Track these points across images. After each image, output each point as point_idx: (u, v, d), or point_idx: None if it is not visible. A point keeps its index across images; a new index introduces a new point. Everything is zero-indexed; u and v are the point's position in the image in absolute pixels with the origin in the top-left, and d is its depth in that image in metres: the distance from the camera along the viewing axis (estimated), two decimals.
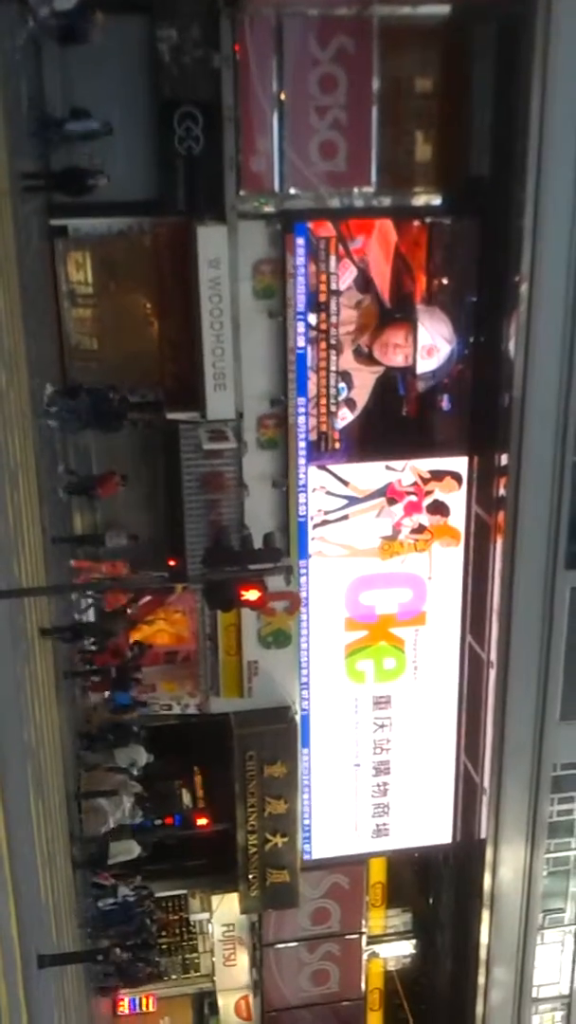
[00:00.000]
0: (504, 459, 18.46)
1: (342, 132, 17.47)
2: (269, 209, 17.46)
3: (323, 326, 18.16)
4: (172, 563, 18.12)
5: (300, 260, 17.62)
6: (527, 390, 17.57)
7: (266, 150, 17.16)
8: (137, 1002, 22.34)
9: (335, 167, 17.58)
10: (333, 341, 18.27)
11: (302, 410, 18.50)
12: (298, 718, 20.11)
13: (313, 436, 18.75)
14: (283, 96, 17.11)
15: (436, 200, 18.27)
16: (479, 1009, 21.19)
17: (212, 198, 16.79)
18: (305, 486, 19.05)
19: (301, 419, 18.54)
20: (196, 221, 16.73)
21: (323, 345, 18.25)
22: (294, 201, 17.60)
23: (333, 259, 17.80)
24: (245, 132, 16.88)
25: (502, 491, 18.69)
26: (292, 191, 17.52)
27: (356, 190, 17.82)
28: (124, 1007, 22.25)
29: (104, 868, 16.29)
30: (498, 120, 17.57)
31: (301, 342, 18.05)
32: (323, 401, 18.60)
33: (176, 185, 16.71)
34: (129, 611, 19.84)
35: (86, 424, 16.09)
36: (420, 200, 18.27)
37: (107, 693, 17.65)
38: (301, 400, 18.41)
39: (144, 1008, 22.48)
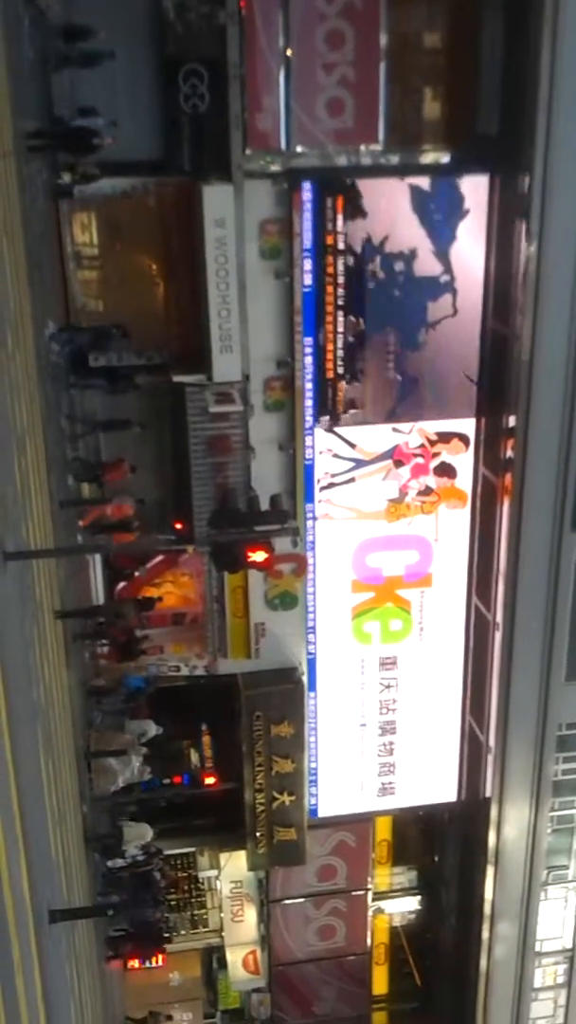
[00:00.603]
0: (512, 421, 18.41)
1: (349, 89, 17.24)
2: (275, 168, 17.30)
3: (329, 290, 18.03)
4: (178, 526, 18.18)
5: (307, 219, 17.45)
6: (535, 352, 17.47)
7: (272, 108, 16.96)
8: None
9: (342, 124, 17.37)
10: (340, 302, 18.15)
11: (309, 372, 18.44)
12: (305, 679, 20.27)
13: (320, 398, 18.69)
14: (289, 52, 16.87)
15: (444, 158, 18.07)
16: (483, 963, 21.56)
17: (218, 157, 16.62)
18: (312, 449, 19.04)
19: (308, 381, 18.48)
20: (201, 180, 16.57)
21: (330, 305, 18.13)
22: (301, 159, 17.43)
23: (340, 218, 17.63)
24: (251, 89, 16.67)
25: (509, 453, 18.66)
26: (299, 149, 17.34)
27: (363, 148, 17.63)
28: (134, 962, 22.63)
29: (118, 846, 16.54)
30: (507, 76, 17.31)
31: (308, 303, 17.93)
32: (330, 362, 18.51)
33: (181, 144, 16.57)
34: (137, 573, 19.97)
35: (90, 348, 15.98)
36: (428, 158, 18.07)
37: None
38: (308, 361, 18.33)
39: (153, 962, 22.86)
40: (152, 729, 17.19)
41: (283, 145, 17.23)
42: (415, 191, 17.93)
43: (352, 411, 19.01)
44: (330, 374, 18.61)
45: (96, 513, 17.26)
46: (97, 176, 15.91)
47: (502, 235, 18.05)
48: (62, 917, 11.49)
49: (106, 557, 18.96)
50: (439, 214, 18.16)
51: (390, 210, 17.96)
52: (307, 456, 19.06)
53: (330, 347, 18.43)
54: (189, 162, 16.67)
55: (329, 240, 17.73)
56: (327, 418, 18.91)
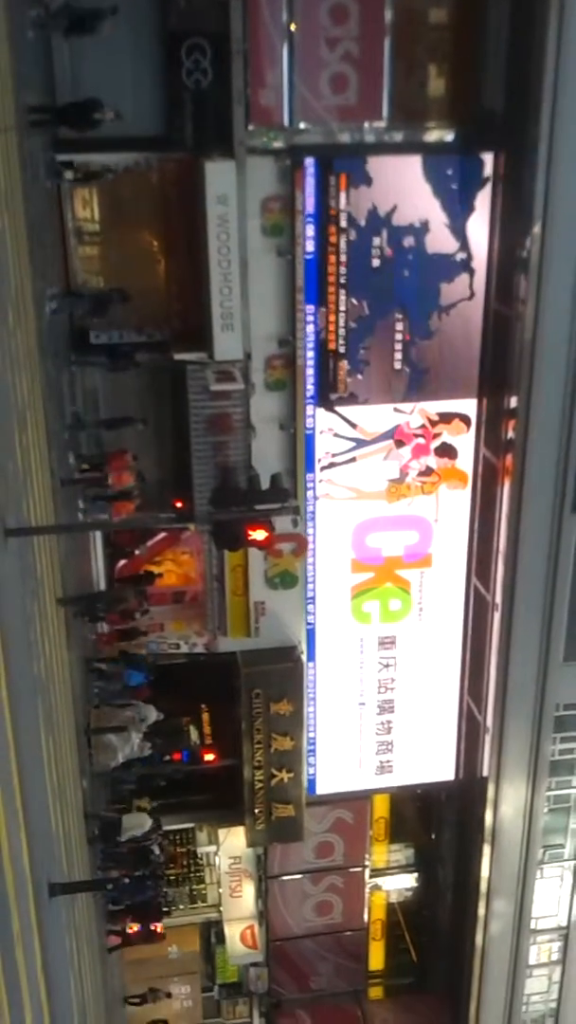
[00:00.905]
0: (513, 401, 18.37)
1: (353, 65, 17.10)
2: (278, 144, 17.18)
3: (332, 268, 17.93)
4: (179, 505, 18.19)
5: (309, 196, 17.34)
6: (538, 332, 17.42)
7: (275, 83, 16.83)
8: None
9: (346, 101, 17.24)
10: (343, 280, 18.06)
11: (311, 351, 18.38)
12: (304, 657, 20.35)
13: (321, 377, 18.63)
14: (293, 27, 16.73)
15: (449, 135, 17.93)
16: (479, 939, 21.77)
17: (220, 133, 16.50)
18: (313, 428, 19.01)
19: (310, 360, 18.43)
20: (204, 157, 16.46)
21: (332, 284, 18.04)
22: (304, 136, 17.31)
23: (344, 195, 17.51)
24: (254, 65, 16.53)
25: (511, 434, 18.64)
26: (302, 125, 17.22)
27: (367, 125, 17.51)
28: (134, 928, 22.84)
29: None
30: (513, 53, 17.15)
31: (310, 281, 17.84)
32: (332, 341, 18.44)
33: (183, 120, 16.44)
34: (137, 552, 20.01)
35: (90, 313, 15.90)
36: (432, 135, 17.93)
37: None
38: (310, 340, 18.27)
39: (153, 935, 23.06)
40: (153, 715, 17.27)
41: (286, 121, 17.10)
42: (428, 156, 17.61)
43: (353, 406, 18.93)
44: (332, 356, 18.52)
45: (94, 473, 17.25)
46: (101, 174, 15.91)
47: (506, 213, 17.93)
48: (62, 891, 11.59)
49: (107, 535, 19.02)
50: (455, 182, 17.72)
51: (399, 178, 17.60)
52: (308, 435, 19.03)
53: (332, 327, 18.34)
54: (191, 138, 16.55)
55: (332, 217, 17.59)
56: (335, 394, 18.77)
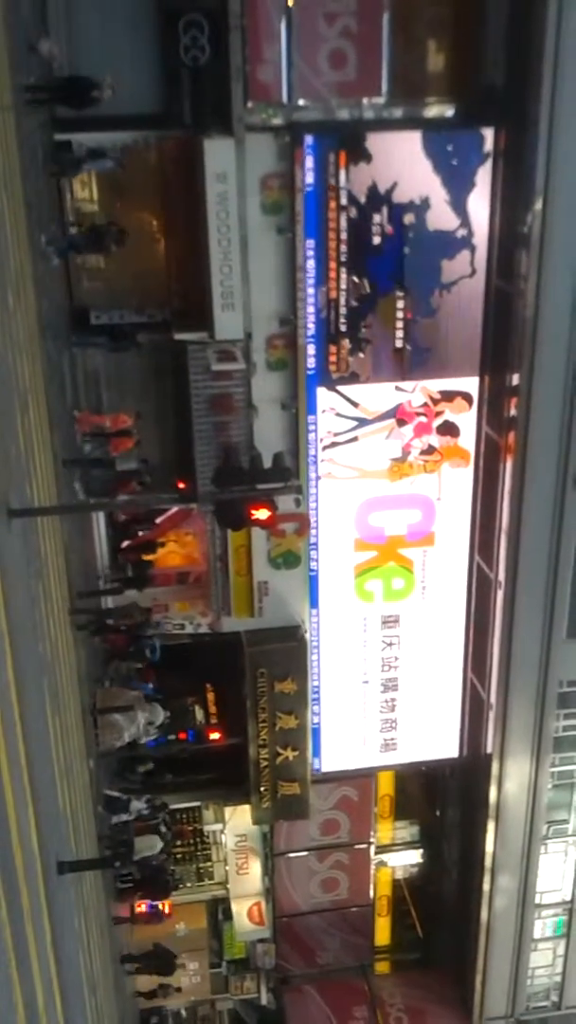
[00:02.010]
0: (515, 379, 18.33)
1: (352, 40, 16.95)
2: (277, 121, 17.06)
3: (332, 246, 17.85)
4: (181, 485, 18.20)
5: (309, 174, 17.24)
6: (540, 308, 17.36)
7: (274, 59, 16.69)
8: (154, 907, 23.12)
9: (345, 77, 17.11)
10: (343, 258, 17.98)
11: (312, 330, 18.32)
12: (307, 637, 20.41)
13: (323, 357, 18.58)
14: (291, 3, 16.56)
15: (449, 111, 17.80)
16: (483, 915, 21.94)
17: (219, 110, 16.38)
18: (314, 408, 18.98)
19: (311, 339, 18.36)
20: (202, 134, 16.36)
21: (333, 262, 17.96)
22: (303, 112, 17.19)
23: (343, 173, 17.41)
24: (252, 41, 16.39)
25: (513, 411, 18.61)
26: (301, 102, 17.09)
27: (366, 101, 17.38)
28: (141, 906, 23.04)
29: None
30: (513, 27, 16.99)
31: (310, 260, 17.77)
32: (333, 320, 18.38)
33: (181, 97, 16.30)
34: (141, 533, 20.03)
35: (86, 248, 15.92)
36: (432, 111, 17.80)
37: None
38: (311, 319, 18.20)
39: (161, 912, 23.26)
40: (160, 716, 17.36)
41: (285, 98, 16.97)
42: (428, 132, 17.47)
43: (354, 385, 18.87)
44: (333, 335, 18.46)
45: (94, 422, 17.25)
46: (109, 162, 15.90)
47: (507, 189, 17.81)
48: (70, 868, 11.70)
49: (110, 516, 19.02)
50: (456, 158, 17.59)
51: (399, 154, 17.47)
52: (309, 415, 19.00)
53: (332, 305, 18.26)
54: (189, 116, 16.42)
55: (332, 195, 17.49)
56: (336, 373, 18.71)
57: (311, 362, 18.58)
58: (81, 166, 15.53)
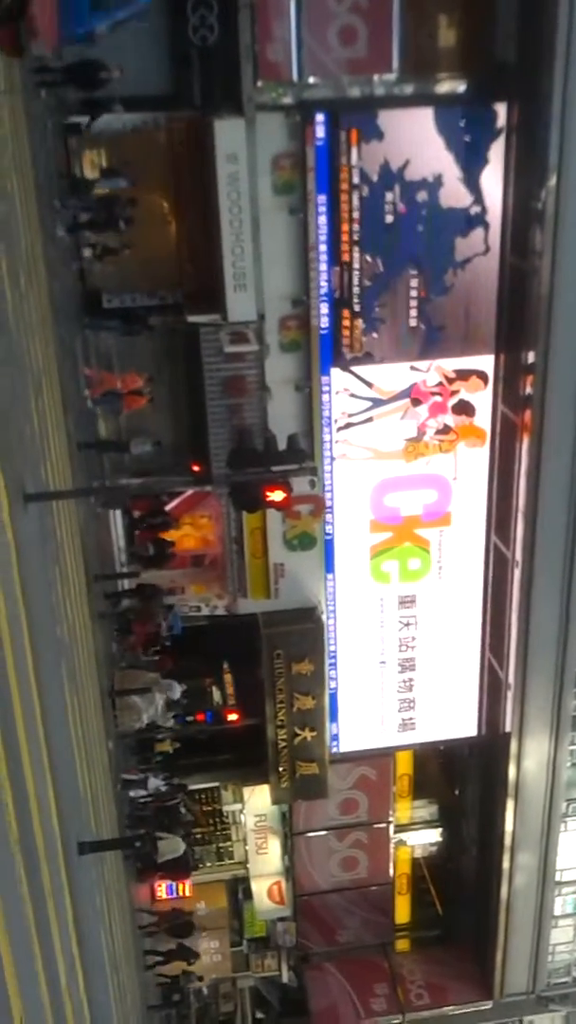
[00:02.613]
0: (531, 357, 18.21)
1: (362, 16, 16.79)
2: (287, 100, 16.95)
3: (344, 226, 17.73)
4: (196, 468, 18.21)
5: (321, 152, 17.12)
6: (555, 285, 17.21)
7: (283, 37, 16.56)
8: (174, 888, 23.32)
9: (355, 53, 16.95)
10: (356, 237, 17.87)
11: (325, 310, 18.23)
12: (324, 617, 20.43)
13: (336, 337, 18.49)
14: None
15: (461, 87, 17.63)
16: (503, 892, 22.01)
17: (228, 90, 16.27)
18: (328, 389, 18.92)
19: (324, 320, 18.28)
20: (212, 115, 16.26)
21: (345, 241, 17.85)
22: (313, 91, 17.06)
23: (355, 151, 17.27)
24: (261, 19, 16.27)
25: (528, 389, 18.50)
26: (311, 80, 16.97)
27: (377, 78, 17.22)
28: (162, 892, 23.26)
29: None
30: (525, 1, 16.77)
31: (323, 239, 17.67)
32: (346, 300, 18.28)
33: (191, 77, 16.21)
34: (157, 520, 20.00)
35: (98, 218, 15.83)
36: (444, 87, 17.63)
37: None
38: (324, 300, 18.12)
39: (181, 893, 23.48)
40: (177, 691, 17.44)
41: (295, 76, 16.85)
42: (440, 109, 17.34)
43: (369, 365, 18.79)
44: (346, 314, 18.37)
45: (107, 384, 17.24)
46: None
47: (520, 165, 17.64)
48: (91, 849, 11.78)
49: (126, 514, 18.95)
50: (468, 135, 17.44)
51: (411, 131, 17.35)
52: (324, 396, 18.95)
53: (346, 285, 18.16)
54: (199, 96, 16.31)
55: (343, 173, 17.37)
56: (350, 354, 18.61)
57: (325, 343, 18.50)
58: (93, 186, 15.47)
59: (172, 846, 16.96)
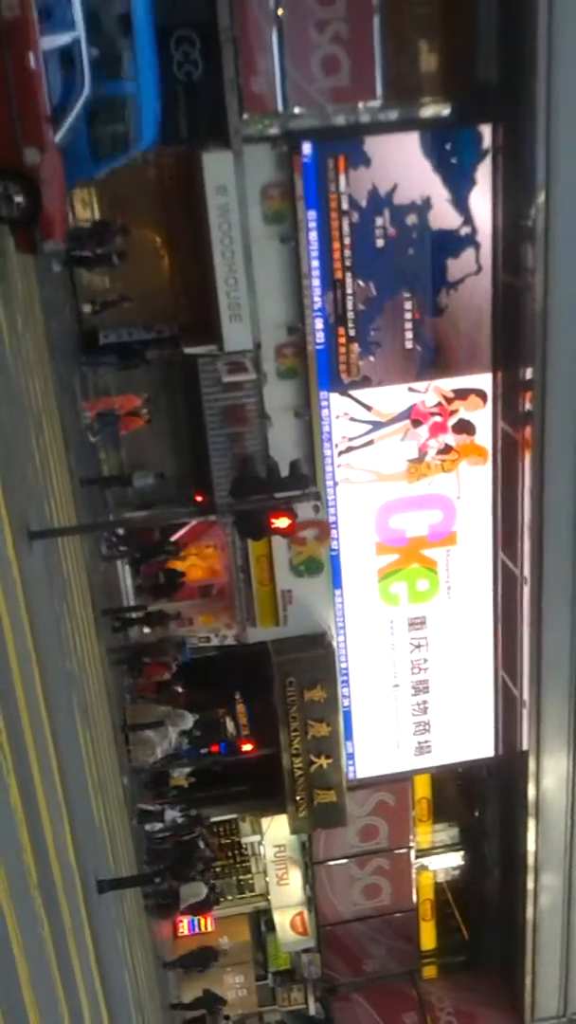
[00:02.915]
0: (529, 372, 18.25)
1: (344, 46, 16.99)
2: (274, 131, 17.13)
3: (336, 251, 17.85)
4: (199, 498, 18.23)
5: (308, 181, 17.27)
6: (549, 300, 17.29)
7: (267, 69, 16.75)
8: (196, 923, 23.12)
9: (339, 82, 17.14)
10: (348, 263, 17.99)
11: (320, 336, 18.32)
12: (335, 643, 20.35)
13: (333, 362, 18.57)
14: (280, 12, 16.64)
15: (445, 110, 17.80)
16: (529, 913, 21.72)
17: (215, 124, 16.47)
18: (328, 414, 18.97)
19: (320, 345, 18.37)
20: (200, 148, 16.45)
21: (338, 267, 17.97)
22: (299, 120, 17.25)
23: (343, 177, 17.42)
24: (244, 52, 16.47)
25: (528, 406, 18.53)
26: (296, 110, 17.15)
27: (361, 105, 17.40)
28: (184, 928, 23.06)
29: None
30: (504, 22, 16.99)
31: (315, 266, 17.78)
32: (341, 325, 18.37)
33: (177, 113, 16.39)
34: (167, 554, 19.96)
35: (91, 243, 15.95)
36: (428, 111, 17.81)
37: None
38: (319, 326, 18.22)
39: (203, 929, 23.27)
40: (189, 721, 17.36)
41: (280, 107, 17.02)
42: (425, 133, 17.47)
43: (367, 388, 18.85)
44: (342, 339, 18.46)
45: (104, 404, 17.26)
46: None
47: (508, 184, 17.78)
48: (110, 887, 11.67)
49: (129, 532, 19.00)
50: (455, 157, 17.59)
51: (398, 156, 17.49)
52: (323, 421, 18.99)
53: (340, 311, 18.25)
54: (186, 130, 16.52)
55: (333, 200, 17.51)
56: (348, 378, 18.70)
57: (322, 368, 18.58)
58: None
59: (194, 890, 16.79)
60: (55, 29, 9.61)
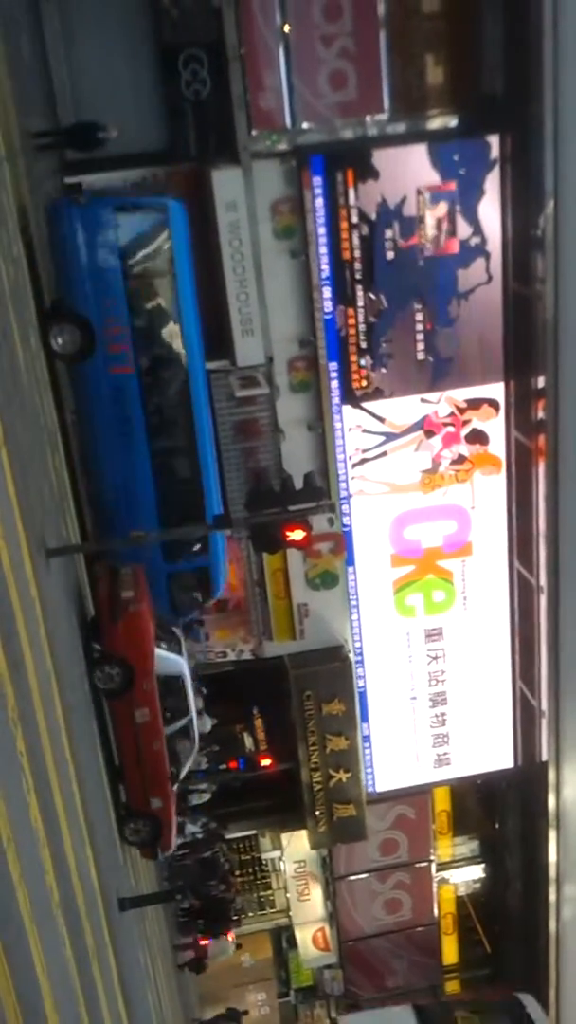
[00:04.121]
0: (541, 381, 18.22)
1: (350, 60, 17.08)
2: (282, 147, 17.19)
3: (347, 265, 17.88)
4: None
5: (318, 195, 17.33)
6: (560, 309, 17.26)
7: (275, 86, 16.84)
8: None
9: (346, 97, 17.22)
10: (359, 276, 18.03)
11: (332, 349, 18.34)
12: (352, 656, 20.29)
13: (345, 375, 18.59)
14: (287, 28, 16.73)
15: (452, 121, 17.85)
16: (552, 926, 21.50)
17: (224, 141, 16.56)
18: (341, 426, 18.97)
19: (332, 358, 18.38)
20: (210, 166, 16.53)
21: (348, 280, 18.01)
22: (307, 136, 17.31)
23: (352, 191, 17.48)
24: (251, 70, 16.56)
25: (541, 414, 18.48)
26: (304, 125, 17.22)
27: (369, 118, 17.46)
28: (205, 942, 22.91)
29: None
30: (509, 33, 17.04)
31: (326, 280, 17.82)
32: (353, 338, 18.40)
33: (186, 131, 16.50)
34: None
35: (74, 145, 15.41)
36: (435, 123, 17.86)
37: None
38: (331, 339, 18.24)
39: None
40: (208, 724, 17.33)
41: (288, 123, 17.10)
42: (433, 144, 17.51)
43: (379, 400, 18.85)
44: (354, 351, 18.49)
45: None
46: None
47: (517, 194, 17.80)
48: (131, 905, 11.65)
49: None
50: (463, 167, 17.63)
51: (406, 168, 17.51)
52: (336, 434, 18.99)
53: (352, 323, 18.30)
54: (196, 148, 16.61)
55: (342, 213, 17.57)
56: (360, 390, 18.70)
57: (334, 381, 18.61)
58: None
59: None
60: (175, 719, 13.31)
